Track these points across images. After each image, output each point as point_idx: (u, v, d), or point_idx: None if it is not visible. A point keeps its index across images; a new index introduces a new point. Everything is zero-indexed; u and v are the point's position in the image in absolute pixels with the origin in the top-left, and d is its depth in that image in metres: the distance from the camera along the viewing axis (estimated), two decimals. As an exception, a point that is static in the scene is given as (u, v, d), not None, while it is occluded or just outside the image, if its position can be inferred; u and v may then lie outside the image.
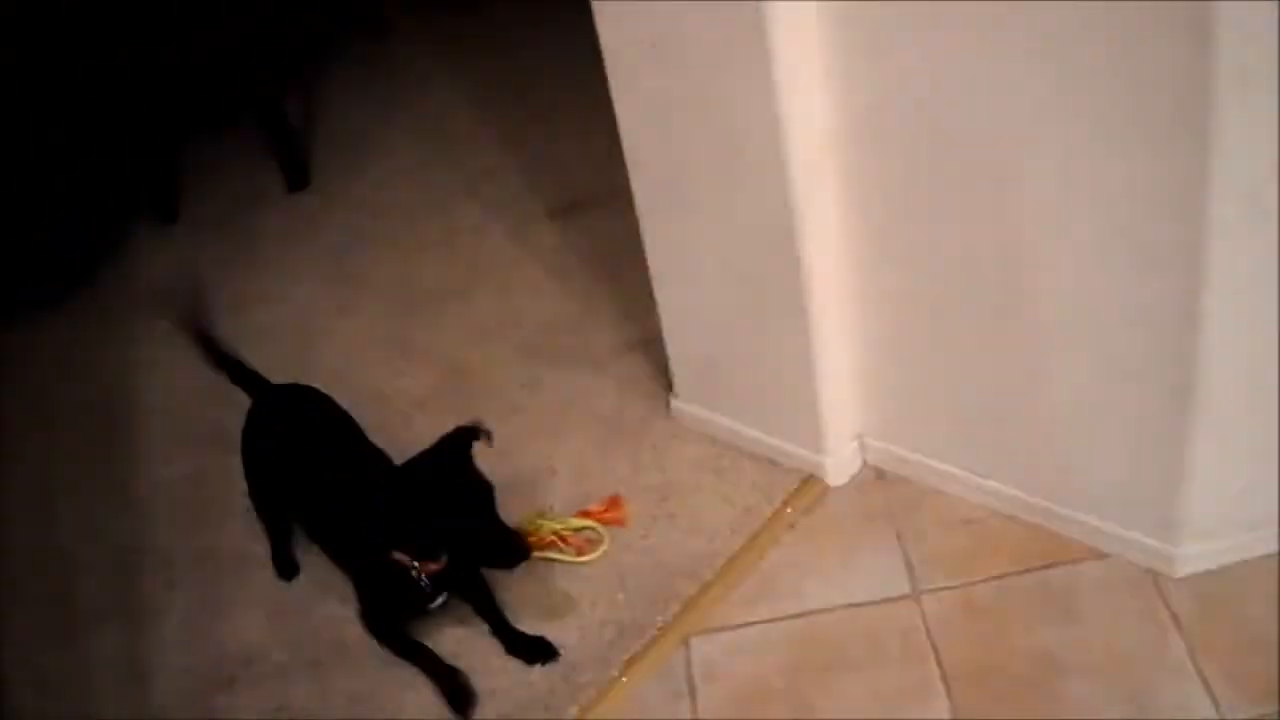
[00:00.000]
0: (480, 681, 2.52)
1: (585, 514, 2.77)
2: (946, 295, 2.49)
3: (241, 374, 2.83)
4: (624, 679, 2.48)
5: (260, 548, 2.90)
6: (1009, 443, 2.62)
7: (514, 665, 2.54)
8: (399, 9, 5.10)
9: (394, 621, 2.57)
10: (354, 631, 2.65)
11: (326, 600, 2.74)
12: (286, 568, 2.84)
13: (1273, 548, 2.49)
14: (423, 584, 2.46)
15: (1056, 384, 2.46)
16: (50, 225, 3.89)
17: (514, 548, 2.36)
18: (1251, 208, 2.06)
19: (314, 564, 2.80)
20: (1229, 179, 2.02)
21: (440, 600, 2.52)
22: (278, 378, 2.87)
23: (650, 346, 3.14)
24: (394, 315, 3.56)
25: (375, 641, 2.58)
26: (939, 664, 2.42)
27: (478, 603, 2.60)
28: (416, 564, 2.43)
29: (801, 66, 2.29)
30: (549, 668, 2.51)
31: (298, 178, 4.23)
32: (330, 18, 4.88)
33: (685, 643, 2.54)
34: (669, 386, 3.03)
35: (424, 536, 2.39)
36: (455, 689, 2.48)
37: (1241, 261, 2.13)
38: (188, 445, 3.27)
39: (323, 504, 2.62)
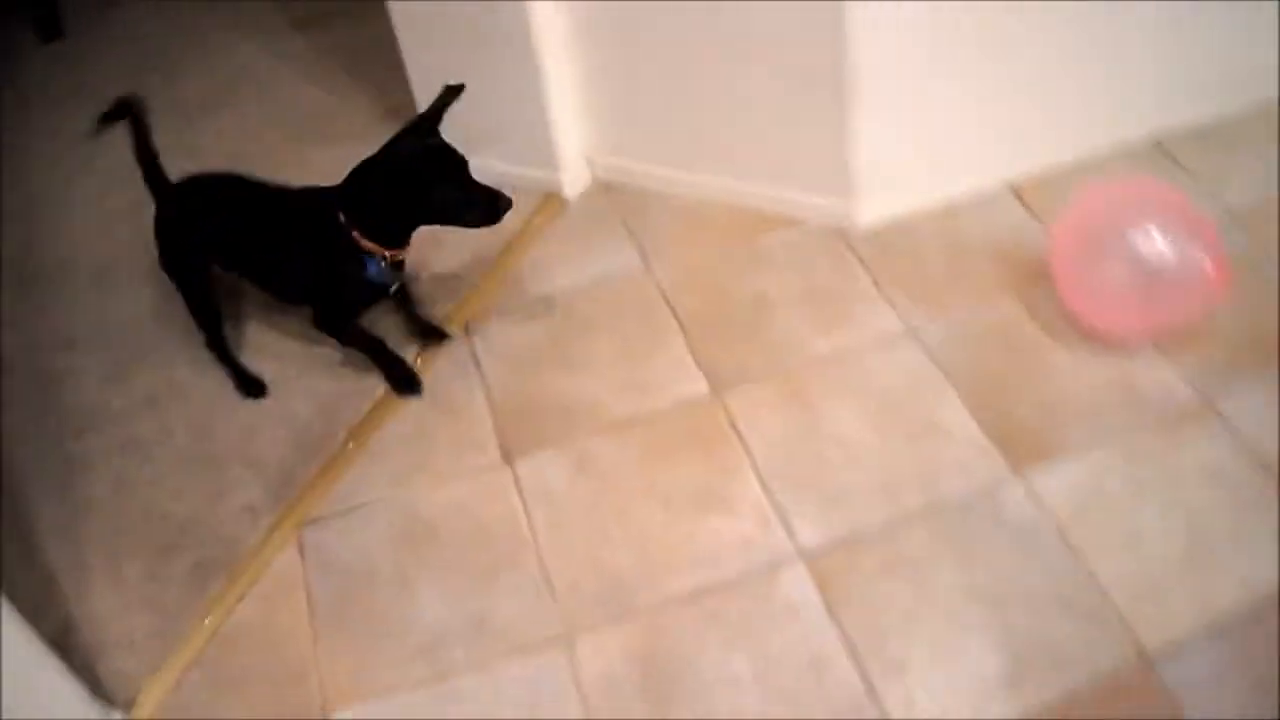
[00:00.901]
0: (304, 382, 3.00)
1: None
2: (650, 21, 3.01)
3: (153, 172, 2.98)
4: (419, 361, 2.99)
5: (83, 328, 3.29)
6: (711, 141, 3.17)
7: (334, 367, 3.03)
8: None
9: (351, 318, 2.88)
10: (182, 372, 3.09)
11: (154, 351, 3.17)
12: (253, 387, 3.08)
13: (931, 200, 3.10)
14: (381, 271, 2.72)
15: (745, 85, 3.01)
16: None
17: (500, 202, 2.58)
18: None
19: (134, 327, 3.24)
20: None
21: (395, 287, 2.83)
22: (75, 197, 3.28)
23: (401, 115, 3.57)
24: (168, 128, 3.83)
25: (336, 339, 2.93)
26: (674, 314, 2.99)
27: (401, 296, 2.97)
28: (386, 253, 2.71)
29: None
30: (352, 365, 2.99)
31: (51, 29, 4.48)
32: None
33: (466, 328, 3.05)
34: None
35: (404, 207, 2.62)
36: (404, 373, 2.93)
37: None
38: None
39: (275, 233, 2.82)
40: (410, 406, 2.89)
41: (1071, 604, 2.30)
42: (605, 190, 3.34)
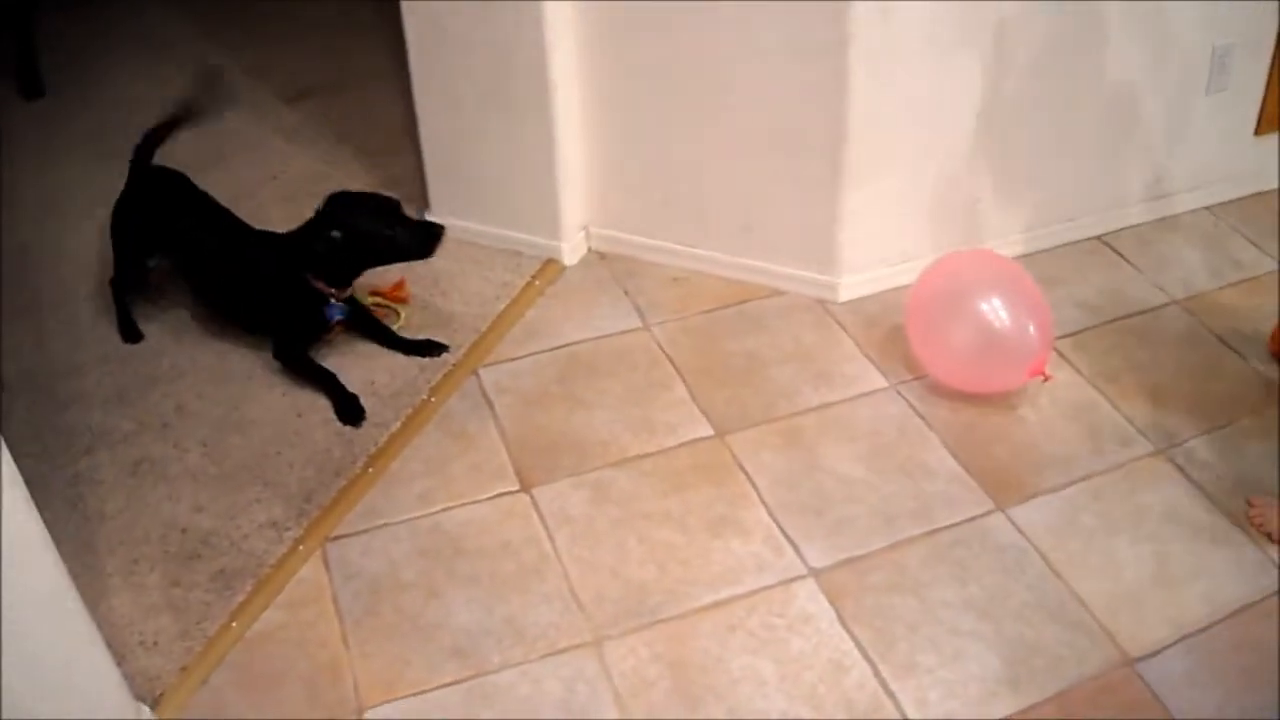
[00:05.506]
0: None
1: (376, 292, 3.42)
2: (655, 102, 3.30)
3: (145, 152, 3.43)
4: (432, 399, 3.16)
5: (86, 356, 3.39)
6: (704, 215, 3.44)
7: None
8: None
9: (303, 349, 3.22)
10: (190, 399, 3.22)
11: (156, 383, 3.29)
12: (132, 334, 3.42)
13: (906, 279, 3.35)
14: (331, 310, 3.17)
15: (740, 162, 3.29)
16: None
17: (434, 234, 3.08)
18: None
19: (138, 353, 3.38)
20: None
21: (339, 318, 3.20)
22: (54, 246, 3.52)
23: (397, 185, 3.81)
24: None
25: (286, 369, 3.23)
26: (673, 366, 3.22)
27: (370, 329, 3.31)
28: (333, 290, 3.13)
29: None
30: (369, 399, 3.16)
31: (33, 86, 4.59)
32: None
33: (475, 372, 3.24)
34: (423, 210, 3.71)
35: (348, 252, 3.11)
36: (349, 405, 3.13)
37: (874, 47, 3.00)
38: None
39: (230, 264, 3.26)
40: (426, 437, 3.05)
41: (1058, 615, 2.58)
42: (600, 258, 3.59)
